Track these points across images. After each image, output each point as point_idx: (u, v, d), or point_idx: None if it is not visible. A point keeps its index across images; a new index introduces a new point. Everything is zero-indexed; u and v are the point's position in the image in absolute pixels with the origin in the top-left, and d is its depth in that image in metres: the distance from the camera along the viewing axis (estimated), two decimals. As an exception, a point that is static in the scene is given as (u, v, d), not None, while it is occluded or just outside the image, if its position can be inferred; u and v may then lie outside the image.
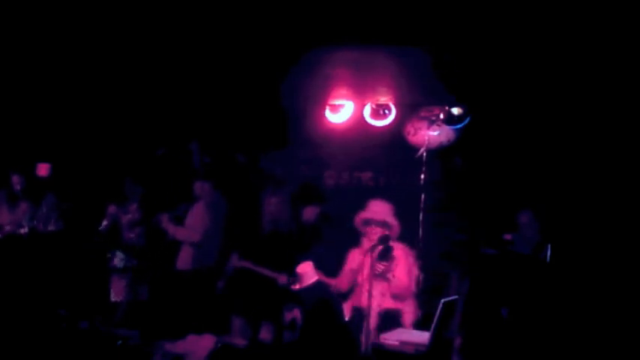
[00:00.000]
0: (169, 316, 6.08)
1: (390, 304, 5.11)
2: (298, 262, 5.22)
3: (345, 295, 5.29)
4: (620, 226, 5.87)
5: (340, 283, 5.31)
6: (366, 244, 5.18)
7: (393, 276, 5.08)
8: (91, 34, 5.09)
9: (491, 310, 5.46)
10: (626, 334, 5.21)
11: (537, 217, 6.10)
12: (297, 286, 5.10)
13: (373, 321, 4.91)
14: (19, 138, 7.57)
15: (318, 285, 5.07)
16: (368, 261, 4.83)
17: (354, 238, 5.41)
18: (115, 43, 5.26)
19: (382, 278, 5.04)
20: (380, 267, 5.00)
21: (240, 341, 5.23)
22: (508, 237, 6.20)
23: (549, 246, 5.84)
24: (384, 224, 5.20)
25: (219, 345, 4.80)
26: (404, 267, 5.17)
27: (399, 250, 5.19)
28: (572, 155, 6.21)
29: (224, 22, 4.72)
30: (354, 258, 5.28)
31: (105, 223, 6.91)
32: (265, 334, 5.63)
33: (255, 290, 5.75)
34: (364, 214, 5.29)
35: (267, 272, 5.68)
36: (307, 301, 4.93)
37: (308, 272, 5.09)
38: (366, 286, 4.81)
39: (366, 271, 4.96)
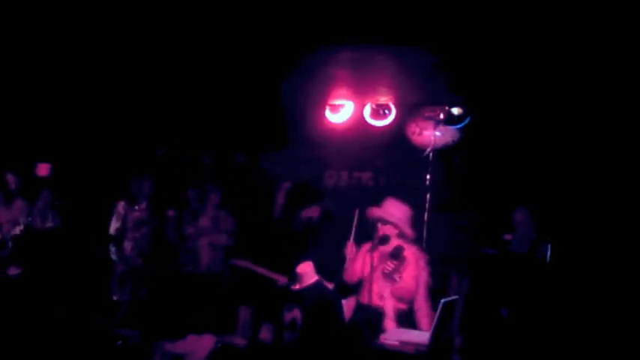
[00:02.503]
0: (169, 316, 6.08)
1: (403, 305, 5.01)
2: (298, 262, 5.22)
3: (353, 290, 5.21)
4: (620, 225, 5.87)
5: (348, 275, 5.20)
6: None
7: (400, 277, 4.98)
8: (91, 33, 5.09)
9: (491, 310, 5.47)
10: (626, 333, 5.21)
11: (533, 215, 6.09)
12: (297, 286, 5.09)
13: (390, 322, 4.91)
14: (19, 138, 7.56)
15: (318, 285, 5.07)
16: (369, 260, 4.85)
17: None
18: (115, 43, 5.26)
19: (389, 278, 4.98)
20: (390, 265, 4.94)
21: (240, 341, 5.23)
22: (508, 237, 6.20)
23: (549, 245, 5.83)
24: (395, 226, 5.09)
25: (219, 345, 4.80)
26: (412, 270, 5.05)
27: (410, 254, 5.09)
28: (572, 154, 6.21)
29: (225, 22, 4.73)
30: (360, 253, 5.16)
31: (115, 225, 6.89)
32: (265, 334, 5.63)
33: (256, 288, 5.75)
34: (377, 212, 5.14)
35: (265, 272, 5.67)
36: (307, 301, 4.92)
37: (308, 272, 5.09)
38: (372, 285, 4.86)
39: (368, 269, 4.95)
